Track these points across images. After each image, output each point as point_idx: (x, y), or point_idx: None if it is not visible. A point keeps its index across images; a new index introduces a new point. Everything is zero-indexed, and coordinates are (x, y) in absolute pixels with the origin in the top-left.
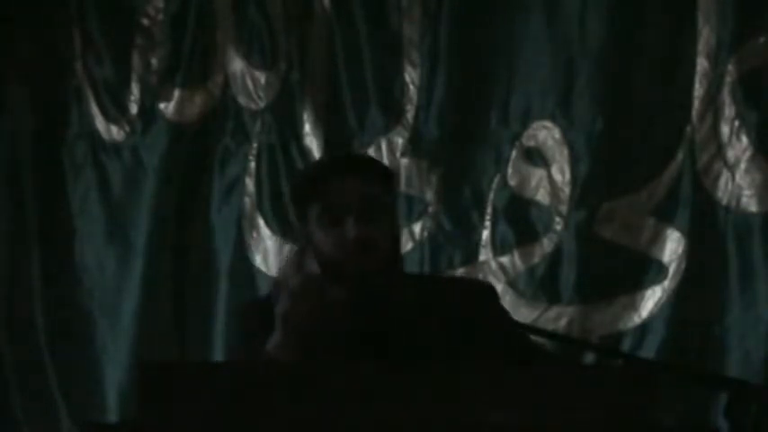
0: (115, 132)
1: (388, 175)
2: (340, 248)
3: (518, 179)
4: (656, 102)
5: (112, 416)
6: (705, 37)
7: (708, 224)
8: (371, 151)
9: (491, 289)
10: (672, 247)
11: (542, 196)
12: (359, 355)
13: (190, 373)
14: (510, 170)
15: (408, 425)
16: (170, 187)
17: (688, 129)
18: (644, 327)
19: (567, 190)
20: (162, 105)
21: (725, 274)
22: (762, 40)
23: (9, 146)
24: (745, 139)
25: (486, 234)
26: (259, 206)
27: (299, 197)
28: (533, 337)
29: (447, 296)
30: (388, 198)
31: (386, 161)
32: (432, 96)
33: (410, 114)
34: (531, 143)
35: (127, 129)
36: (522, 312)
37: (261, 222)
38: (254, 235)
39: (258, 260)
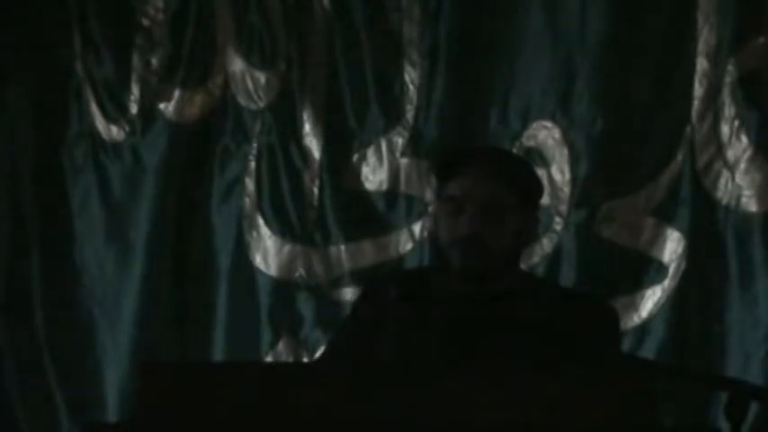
0: (115, 132)
1: (526, 184)
2: (450, 237)
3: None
4: (656, 102)
5: (112, 416)
6: (705, 37)
7: (708, 224)
8: (371, 151)
9: (610, 313)
10: (672, 247)
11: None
12: (448, 346)
13: (190, 373)
14: None
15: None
16: (170, 187)
17: (688, 129)
18: (644, 327)
19: (566, 190)
20: (162, 105)
21: (725, 274)
22: (762, 40)
23: (9, 146)
24: (744, 139)
25: None
26: (259, 206)
27: (437, 172)
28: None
29: (557, 307)
30: (518, 205)
31: (386, 161)
32: (432, 96)
33: (410, 114)
34: (531, 143)
35: (127, 129)
36: None
37: (261, 222)
38: (254, 235)
39: (258, 260)
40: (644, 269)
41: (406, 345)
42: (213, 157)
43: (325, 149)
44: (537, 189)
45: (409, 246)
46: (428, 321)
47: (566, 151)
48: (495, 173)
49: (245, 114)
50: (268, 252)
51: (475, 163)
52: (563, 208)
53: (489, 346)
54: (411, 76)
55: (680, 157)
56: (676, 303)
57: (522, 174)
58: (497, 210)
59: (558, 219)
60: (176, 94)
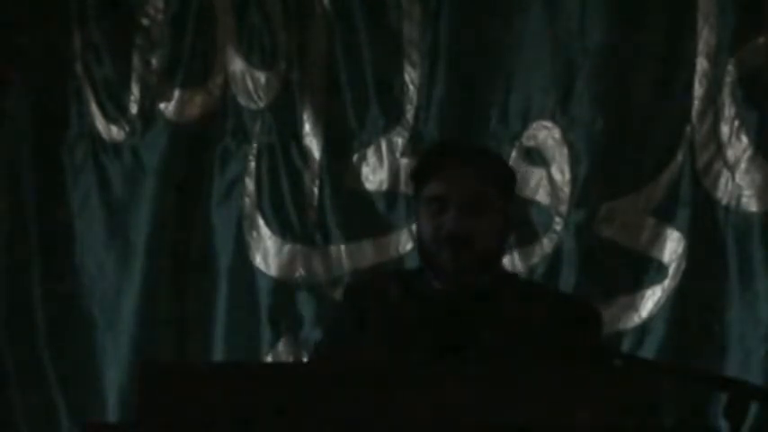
0: (115, 132)
1: (504, 176)
2: (436, 238)
3: (518, 179)
4: (656, 101)
5: (112, 416)
6: (705, 37)
7: (708, 224)
8: (371, 151)
9: (594, 316)
10: (672, 247)
11: (542, 196)
12: (434, 345)
13: (190, 373)
14: None
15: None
16: (170, 187)
17: (688, 129)
18: (644, 327)
19: (566, 190)
20: (162, 105)
21: (725, 274)
22: (762, 40)
23: (9, 146)
24: (744, 139)
25: None
26: (259, 206)
27: (416, 174)
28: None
29: (541, 307)
30: (499, 198)
31: (386, 161)
32: (432, 96)
33: (410, 114)
34: (531, 143)
35: (127, 129)
36: None
37: (261, 222)
38: (254, 235)
39: (258, 260)
40: (644, 269)
41: (395, 345)
42: (213, 157)
43: (325, 149)
44: (512, 178)
45: (409, 246)
46: (414, 322)
47: (566, 151)
48: (474, 169)
49: (245, 114)
50: (268, 252)
51: (452, 162)
52: (563, 208)
53: (474, 347)
54: (411, 76)
55: (680, 157)
56: (676, 303)
57: (497, 166)
58: (481, 205)
59: (558, 219)
60: (176, 94)
